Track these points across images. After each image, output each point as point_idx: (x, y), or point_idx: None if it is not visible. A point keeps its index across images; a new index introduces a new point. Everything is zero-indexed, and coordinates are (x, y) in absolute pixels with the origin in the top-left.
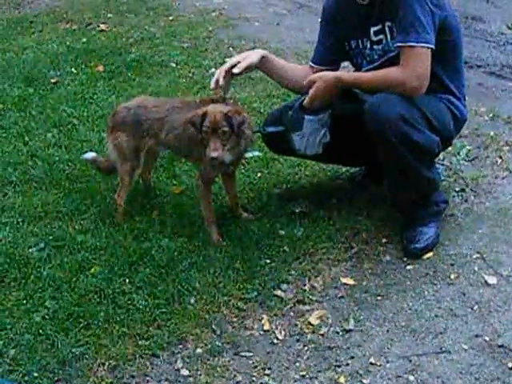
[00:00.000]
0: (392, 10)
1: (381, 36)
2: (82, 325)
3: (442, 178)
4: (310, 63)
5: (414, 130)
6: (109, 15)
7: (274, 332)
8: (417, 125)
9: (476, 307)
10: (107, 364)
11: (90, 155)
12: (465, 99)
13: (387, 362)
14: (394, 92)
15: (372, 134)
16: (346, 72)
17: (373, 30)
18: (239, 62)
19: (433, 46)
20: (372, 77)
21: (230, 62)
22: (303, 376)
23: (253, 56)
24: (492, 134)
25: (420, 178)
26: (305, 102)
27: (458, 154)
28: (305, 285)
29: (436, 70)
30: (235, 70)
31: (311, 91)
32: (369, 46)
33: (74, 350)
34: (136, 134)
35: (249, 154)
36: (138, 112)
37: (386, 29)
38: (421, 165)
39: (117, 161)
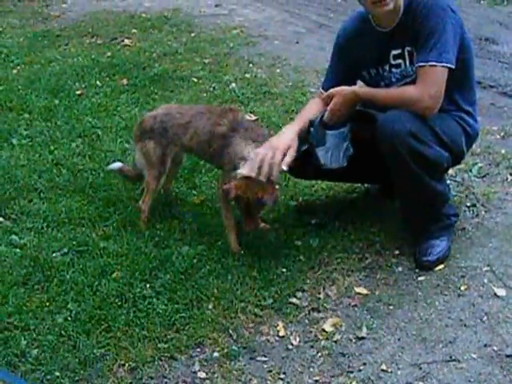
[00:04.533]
0: (414, 33)
1: (399, 60)
2: (103, 327)
3: (454, 193)
4: (321, 89)
5: (422, 145)
6: (133, 30)
7: (288, 338)
8: (426, 140)
9: (485, 318)
10: (127, 365)
11: (117, 165)
12: (477, 114)
13: (398, 369)
14: (407, 109)
15: (382, 148)
16: (364, 87)
17: (393, 53)
18: (284, 154)
19: (453, 66)
20: (388, 94)
21: (276, 157)
22: (316, 381)
23: (292, 144)
24: (503, 151)
25: (430, 191)
26: (325, 116)
27: (470, 170)
28: (319, 293)
29: (451, 89)
30: (285, 169)
31: (330, 105)
32: (387, 68)
33: (95, 351)
34: (163, 141)
35: None
36: (164, 119)
37: (406, 53)
38: (430, 178)
39: (144, 167)
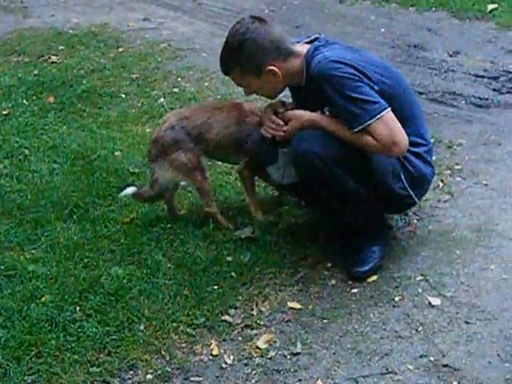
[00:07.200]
0: (326, 97)
1: None
2: (33, 353)
3: None
4: None
5: (327, 170)
6: (60, 47)
7: (222, 357)
8: (333, 165)
9: (420, 328)
10: None
11: (131, 190)
12: (429, 157)
13: (334, 383)
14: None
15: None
16: (327, 118)
17: None
18: None
19: (387, 108)
20: (351, 139)
21: None
22: None
23: None
24: (434, 158)
25: (338, 215)
26: (277, 137)
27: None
28: (252, 310)
29: None
30: None
31: (286, 128)
32: None
33: (25, 378)
34: (190, 146)
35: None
36: (183, 125)
37: (327, 113)
38: (338, 204)
39: (183, 179)
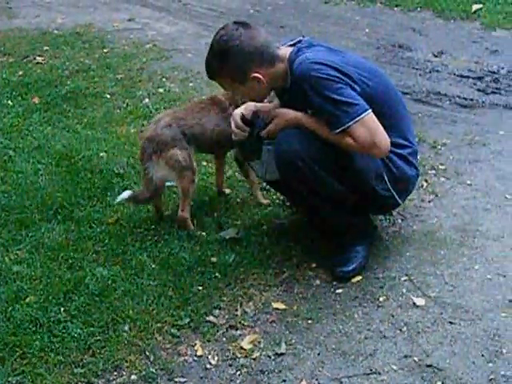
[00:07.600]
0: (307, 98)
1: None
2: (18, 354)
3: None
4: None
5: (308, 170)
6: (45, 48)
7: (207, 357)
8: (313, 165)
9: (405, 328)
10: None
11: (126, 194)
12: (414, 160)
13: None
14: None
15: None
16: (311, 117)
17: None
18: None
19: (368, 110)
20: (333, 139)
21: None
22: None
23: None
24: (418, 158)
25: (321, 214)
26: (263, 133)
27: None
28: (237, 310)
29: None
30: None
31: (271, 126)
32: None
33: (10, 379)
34: (185, 145)
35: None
36: (179, 124)
37: (310, 113)
38: (320, 204)
39: (174, 178)
